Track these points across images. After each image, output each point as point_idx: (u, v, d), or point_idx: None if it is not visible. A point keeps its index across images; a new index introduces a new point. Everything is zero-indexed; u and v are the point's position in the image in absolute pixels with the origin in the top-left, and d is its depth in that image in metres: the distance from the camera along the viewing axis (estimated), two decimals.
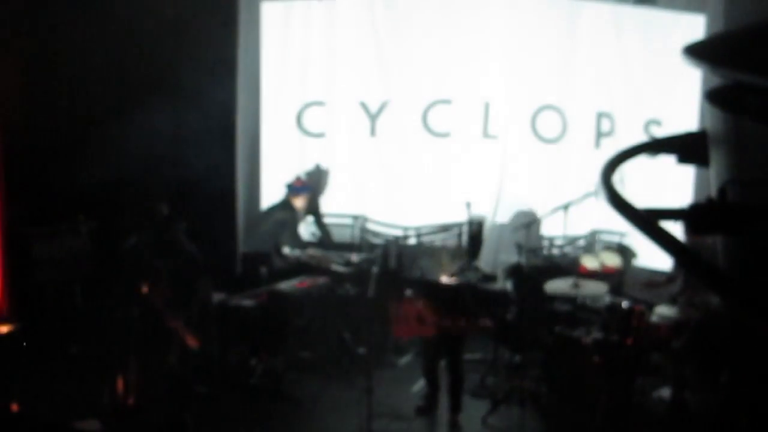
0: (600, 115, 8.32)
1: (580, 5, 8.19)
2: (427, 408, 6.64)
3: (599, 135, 8.34)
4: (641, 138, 7.76)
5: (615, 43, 8.15)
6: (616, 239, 8.19)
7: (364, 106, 8.62)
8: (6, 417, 5.52)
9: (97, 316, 6.88)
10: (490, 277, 7.92)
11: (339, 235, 8.67)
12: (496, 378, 7.05)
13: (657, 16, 8.03)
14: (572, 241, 8.21)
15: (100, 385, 6.04)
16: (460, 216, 8.03)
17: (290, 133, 8.74)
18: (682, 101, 7.77)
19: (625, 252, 8.00)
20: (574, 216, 7.46)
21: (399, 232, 8.56)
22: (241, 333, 6.95)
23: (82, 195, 7.55)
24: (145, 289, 5.81)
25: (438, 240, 8.33)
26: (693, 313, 6.38)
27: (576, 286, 6.63)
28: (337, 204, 8.72)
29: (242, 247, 8.51)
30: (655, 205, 1.71)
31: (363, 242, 8.56)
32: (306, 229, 8.59)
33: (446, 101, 8.48)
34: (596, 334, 6.39)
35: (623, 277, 7.80)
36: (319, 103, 8.69)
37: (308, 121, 8.73)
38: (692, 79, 7.22)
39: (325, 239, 8.54)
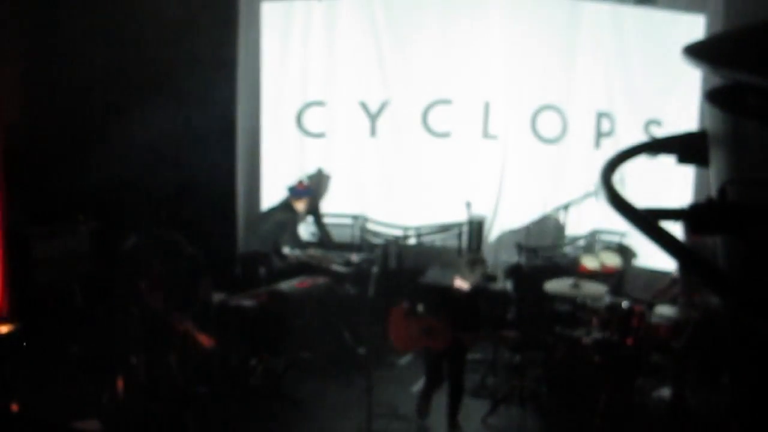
0: (600, 115, 8.32)
1: (580, 5, 8.19)
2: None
3: (599, 135, 8.34)
4: (641, 138, 7.76)
5: (615, 43, 8.16)
6: (616, 239, 8.19)
7: (364, 106, 8.62)
8: (6, 417, 5.52)
9: (97, 316, 6.88)
10: (491, 277, 7.91)
11: (339, 235, 8.68)
12: (496, 378, 7.05)
13: (657, 16, 8.03)
14: (572, 241, 8.22)
15: (100, 385, 6.04)
16: (460, 216, 8.05)
17: (290, 133, 8.74)
18: (682, 101, 7.77)
19: (625, 252, 8.01)
20: (574, 216, 7.46)
21: (399, 232, 8.57)
22: (241, 333, 6.95)
23: (82, 195, 7.55)
24: (144, 290, 5.81)
25: (438, 240, 8.34)
26: (693, 313, 6.38)
27: (576, 286, 6.63)
28: (337, 204, 8.73)
29: (242, 247, 8.51)
30: (655, 205, 1.71)
31: (363, 242, 8.57)
32: (306, 230, 8.60)
33: (446, 101, 8.48)
34: (596, 334, 6.39)
35: (623, 276, 7.81)
36: (319, 103, 8.69)
37: (308, 121, 8.73)
38: (692, 79, 7.22)
39: (325, 239, 8.55)
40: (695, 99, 7.66)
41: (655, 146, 2.14)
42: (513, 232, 8.00)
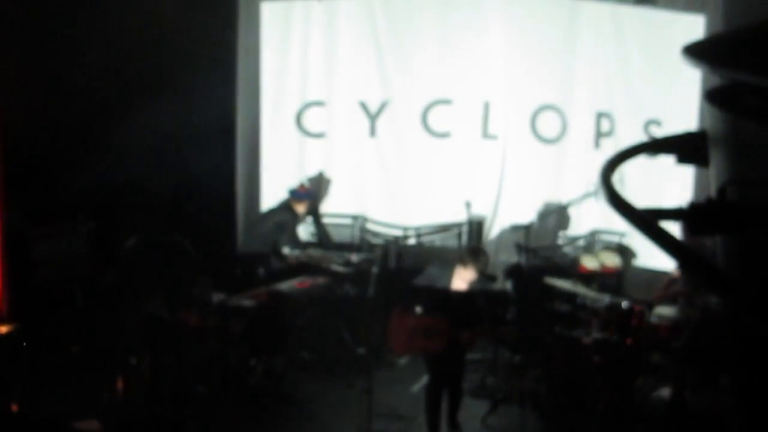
0: (600, 115, 8.32)
1: (580, 5, 8.19)
2: None
3: (599, 135, 8.35)
4: (641, 138, 7.77)
5: (615, 43, 8.16)
6: (615, 239, 8.19)
7: (364, 106, 8.62)
8: (6, 417, 5.52)
9: (97, 316, 6.88)
10: (490, 277, 7.90)
11: (339, 235, 8.67)
12: (496, 378, 7.05)
13: (657, 16, 8.04)
14: (572, 241, 8.22)
15: (100, 385, 6.04)
16: (459, 216, 8.05)
17: (290, 133, 8.74)
18: (682, 101, 7.77)
19: (625, 252, 8.01)
20: (574, 216, 7.46)
21: (399, 232, 8.57)
22: (241, 333, 6.94)
23: (81, 195, 7.55)
24: (144, 290, 5.82)
25: (438, 240, 8.34)
26: (693, 313, 6.37)
27: (576, 286, 6.63)
28: (336, 204, 8.73)
29: (242, 247, 8.51)
30: (655, 205, 1.71)
31: (363, 242, 8.57)
32: (305, 230, 8.60)
33: (446, 101, 8.48)
34: (596, 334, 6.39)
35: (623, 276, 7.81)
36: (319, 103, 8.69)
37: (308, 121, 8.73)
38: (692, 79, 7.23)
39: (324, 239, 8.54)
40: (695, 99, 7.66)
41: (654, 146, 2.14)
42: (513, 232, 7.99)
